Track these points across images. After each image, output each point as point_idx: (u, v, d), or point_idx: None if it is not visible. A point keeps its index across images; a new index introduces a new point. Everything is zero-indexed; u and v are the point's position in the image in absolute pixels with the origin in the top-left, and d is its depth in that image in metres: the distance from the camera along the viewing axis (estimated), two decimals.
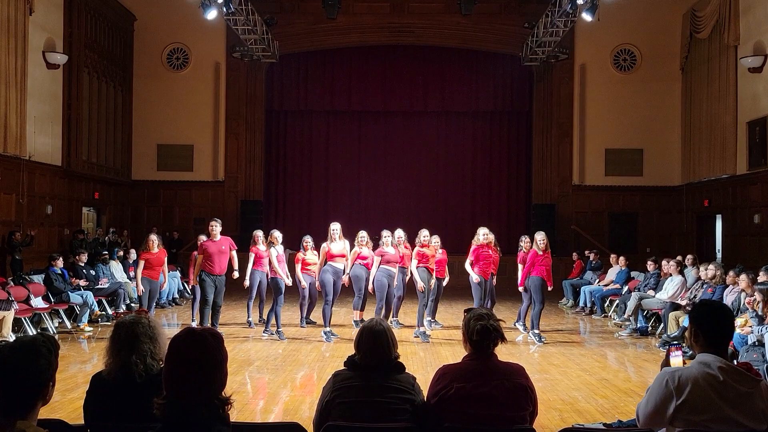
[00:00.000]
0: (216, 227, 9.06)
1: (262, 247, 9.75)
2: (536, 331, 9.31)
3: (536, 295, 9.26)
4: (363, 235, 9.55)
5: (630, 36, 18.51)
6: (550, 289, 9.39)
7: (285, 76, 19.52)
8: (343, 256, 9.45)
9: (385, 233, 9.42)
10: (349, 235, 9.86)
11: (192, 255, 10.31)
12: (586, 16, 14.07)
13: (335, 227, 9.53)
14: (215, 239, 8.98)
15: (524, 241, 9.89)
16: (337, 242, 9.48)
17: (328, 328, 9.24)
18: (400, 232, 9.68)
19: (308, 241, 9.66)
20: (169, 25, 18.52)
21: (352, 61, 19.66)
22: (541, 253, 9.25)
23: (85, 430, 3.01)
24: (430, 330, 9.77)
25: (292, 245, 12.05)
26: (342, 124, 20.23)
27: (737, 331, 7.00)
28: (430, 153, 19.91)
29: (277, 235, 9.52)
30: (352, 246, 9.62)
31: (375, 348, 3.24)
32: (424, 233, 9.45)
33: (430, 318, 10.03)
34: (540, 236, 9.37)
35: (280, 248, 9.51)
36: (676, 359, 2.95)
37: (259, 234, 9.92)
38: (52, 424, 2.86)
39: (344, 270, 9.44)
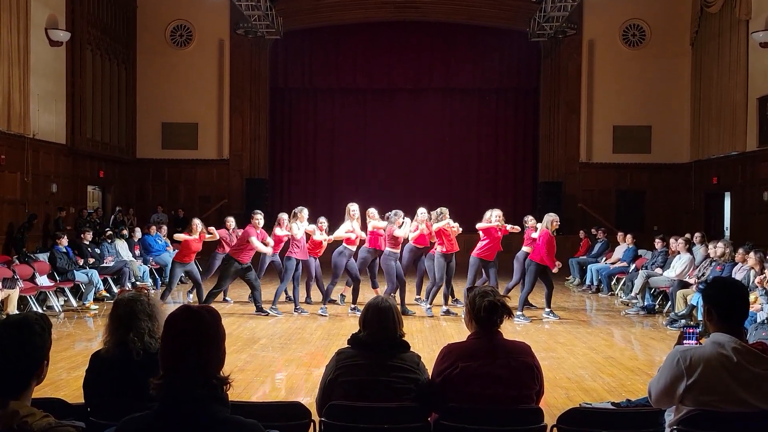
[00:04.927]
0: (260, 219, 9.17)
1: (279, 230, 9.49)
2: (519, 313, 9.06)
3: (529, 277, 9.15)
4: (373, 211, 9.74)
5: (639, 11, 18.17)
6: (555, 270, 9.23)
7: (289, 53, 19.32)
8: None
9: (393, 212, 9.40)
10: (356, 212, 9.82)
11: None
12: None
13: (354, 207, 9.53)
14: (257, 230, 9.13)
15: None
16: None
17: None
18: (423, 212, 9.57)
19: (323, 222, 9.67)
20: (172, 2, 18.33)
21: (357, 38, 19.37)
22: (553, 234, 9.15)
23: (84, 408, 2.99)
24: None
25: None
26: (347, 102, 20.04)
27: None
28: (435, 130, 19.70)
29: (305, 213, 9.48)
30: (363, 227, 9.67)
31: (381, 325, 3.20)
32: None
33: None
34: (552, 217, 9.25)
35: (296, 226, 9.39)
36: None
37: (284, 217, 9.51)
38: (51, 403, 2.84)
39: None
